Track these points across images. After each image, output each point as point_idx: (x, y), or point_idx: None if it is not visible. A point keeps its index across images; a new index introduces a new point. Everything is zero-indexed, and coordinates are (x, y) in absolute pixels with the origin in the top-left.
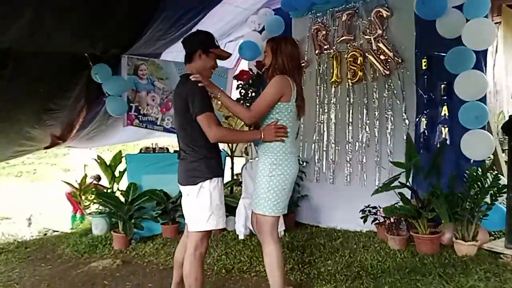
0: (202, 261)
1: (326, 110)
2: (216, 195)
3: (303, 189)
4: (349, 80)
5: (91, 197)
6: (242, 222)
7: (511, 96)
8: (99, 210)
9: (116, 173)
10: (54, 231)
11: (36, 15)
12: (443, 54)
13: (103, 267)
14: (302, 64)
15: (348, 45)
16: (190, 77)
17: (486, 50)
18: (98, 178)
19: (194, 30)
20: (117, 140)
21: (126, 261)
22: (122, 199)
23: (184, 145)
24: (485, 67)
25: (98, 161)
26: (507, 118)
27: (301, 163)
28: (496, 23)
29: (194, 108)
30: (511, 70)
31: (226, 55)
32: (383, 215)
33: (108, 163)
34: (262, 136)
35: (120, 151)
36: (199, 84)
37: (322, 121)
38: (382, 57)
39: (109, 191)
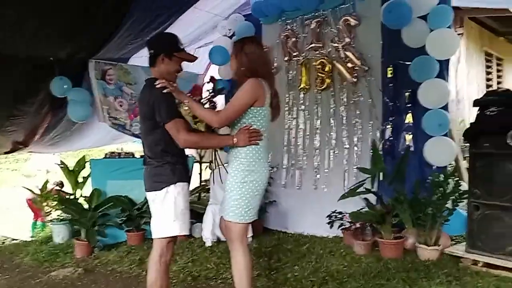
0: (167, 269)
1: (294, 116)
2: (180, 200)
3: (271, 194)
4: (317, 87)
5: (52, 203)
6: (210, 229)
7: (472, 105)
8: (61, 217)
9: (80, 179)
10: (13, 239)
11: None
12: (408, 62)
13: (64, 276)
14: (272, 70)
15: (316, 52)
16: (156, 83)
17: (449, 60)
18: (61, 184)
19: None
20: (82, 145)
21: (88, 270)
22: (86, 205)
23: (149, 151)
24: (448, 76)
25: (62, 166)
26: (468, 126)
27: (270, 168)
28: (458, 34)
29: (161, 115)
30: (472, 80)
31: (191, 59)
32: (349, 220)
33: (71, 168)
34: (235, 142)
35: (84, 156)
36: (164, 91)
37: (290, 127)
38: (349, 65)
39: (71, 197)
